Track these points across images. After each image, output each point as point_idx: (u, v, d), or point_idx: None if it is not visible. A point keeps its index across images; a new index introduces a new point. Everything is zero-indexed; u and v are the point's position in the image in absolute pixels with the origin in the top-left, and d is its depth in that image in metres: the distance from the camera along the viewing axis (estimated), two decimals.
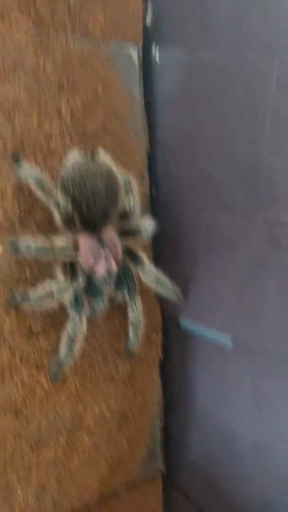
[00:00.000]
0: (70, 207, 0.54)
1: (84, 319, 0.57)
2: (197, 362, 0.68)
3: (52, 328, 0.61)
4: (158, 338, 0.71)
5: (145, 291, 0.64)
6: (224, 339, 0.61)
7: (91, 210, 0.55)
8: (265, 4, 0.55)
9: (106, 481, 0.68)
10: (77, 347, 0.58)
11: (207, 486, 0.70)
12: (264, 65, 0.56)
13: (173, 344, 0.72)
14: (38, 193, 0.55)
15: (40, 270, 0.59)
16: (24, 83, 0.58)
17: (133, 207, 0.59)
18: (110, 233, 0.59)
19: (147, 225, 0.60)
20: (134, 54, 0.66)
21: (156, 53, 0.67)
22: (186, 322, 0.68)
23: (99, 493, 0.67)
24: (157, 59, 0.68)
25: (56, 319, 0.61)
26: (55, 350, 0.60)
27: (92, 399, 0.64)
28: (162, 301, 0.71)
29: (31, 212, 0.59)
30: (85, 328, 0.57)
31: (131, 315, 0.62)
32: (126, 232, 0.61)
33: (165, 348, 0.72)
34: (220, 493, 0.68)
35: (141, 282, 0.63)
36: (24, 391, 0.59)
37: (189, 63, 0.66)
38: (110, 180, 0.56)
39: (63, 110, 0.61)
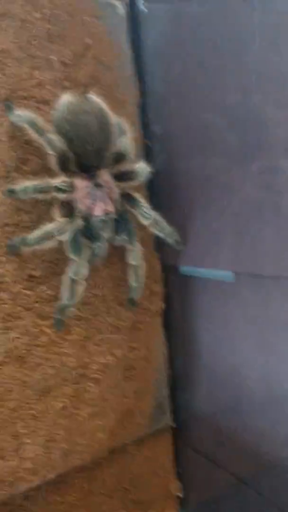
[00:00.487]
0: (65, 146, 0.55)
1: (85, 262, 0.57)
2: (199, 307, 0.68)
3: (54, 276, 0.61)
4: (158, 287, 0.71)
5: (143, 242, 0.64)
6: (226, 276, 0.61)
7: (86, 149, 0.56)
8: None
9: (115, 434, 0.67)
10: (80, 291, 0.58)
11: (217, 436, 0.70)
12: (246, 16, 0.57)
13: (174, 293, 0.72)
14: (33, 135, 0.55)
15: (38, 216, 0.59)
16: (13, 33, 0.59)
17: (127, 149, 0.60)
18: (105, 176, 0.59)
19: (141, 167, 0.61)
20: (120, 6, 0.67)
21: (142, 4, 0.68)
22: (186, 268, 0.68)
23: (108, 447, 0.67)
24: (144, 11, 0.69)
25: (57, 267, 0.61)
26: (57, 297, 0.60)
27: (97, 348, 0.64)
28: (160, 251, 0.71)
29: (26, 160, 0.59)
30: (86, 271, 0.58)
31: (131, 258, 0.62)
32: (121, 177, 0.61)
33: (166, 297, 0.72)
34: (231, 443, 0.68)
35: (139, 233, 0.63)
36: (28, 339, 0.59)
37: (175, 15, 0.67)
38: (103, 118, 0.57)
39: (53, 60, 0.62)
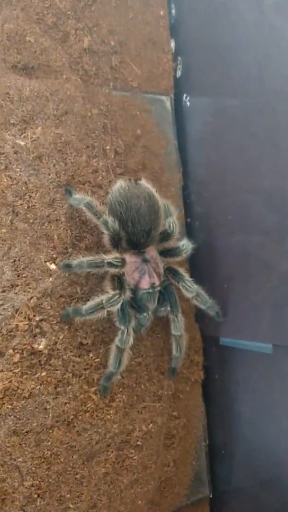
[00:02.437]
0: (117, 226, 0.61)
1: (132, 331, 0.61)
2: (238, 378, 0.70)
3: (102, 344, 0.65)
4: (199, 358, 0.74)
5: (184, 313, 0.68)
6: (265, 348, 0.64)
7: (136, 229, 0.62)
8: (278, 59, 0.64)
9: (155, 503, 0.68)
10: (125, 359, 0.62)
11: (256, 510, 0.69)
12: (280, 107, 0.64)
13: (214, 364, 0.75)
14: (89, 215, 0.62)
15: (90, 289, 0.65)
16: (74, 128, 0.67)
17: (173, 228, 0.66)
18: (152, 252, 0.65)
19: (185, 244, 0.66)
20: (167, 101, 0.76)
21: (186, 100, 0.77)
22: (226, 340, 0.71)
23: None
24: (188, 106, 0.77)
25: (105, 335, 0.66)
26: (104, 365, 0.64)
27: (140, 416, 0.67)
28: (201, 322, 0.75)
29: (82, 238, 0.66)
30: (132, 341, 0.62)
31: (174, 330, 0.66)
32: (167, 253, 0.67)
33: (207, 368, 0.75)
34: None
35: (181, 305, 0.67)
36: (76, 404, 0.62)
37: (215, 109, 0.75)
38: (152, 202, 0.63)
39: (108, 150, 0.70)
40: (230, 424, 0.72)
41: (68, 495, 0.61)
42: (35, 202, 0.63)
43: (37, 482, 0.59)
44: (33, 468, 0.59)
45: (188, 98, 0.77)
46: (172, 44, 0.79)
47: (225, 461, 0.73)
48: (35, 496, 0.59)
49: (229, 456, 0.73)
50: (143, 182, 0.65)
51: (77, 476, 0.62)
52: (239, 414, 0.71)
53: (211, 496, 0.75)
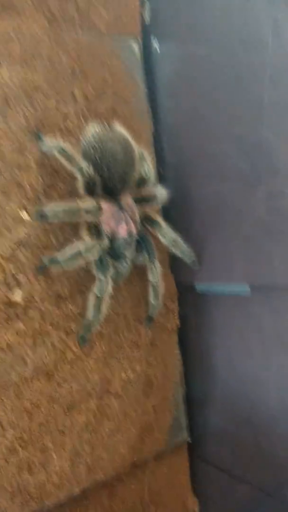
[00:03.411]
0: (92, 171, 0.59)
1: (110, 280, 0.61)
2: (214, 323, 0.71)
3: (79, 294, 0.64)
4: (175, 306, 0.75)
5: (160, 262, 0.68)
6: (241, 290, 0.65)
7: (112, 174, 0.60)
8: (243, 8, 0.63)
9: (135, 449, 0.69)
10: (104, 308, 0.61)
11: (234, 450, 0.72)
12: (253, 59, 0.63)
13: (189, 311, 0.75)
14: (62, 161, 0.59)
15: (65, 237, 0.63)
16: (42, 70, 0.64)
17: (149, 174, 0.64)
18: (128, 199, 0.63)
19: (160, 191, 0.65)
20: (136, 46, 0.73)
21: (156, 46, 0.75)
22: (202, 285, 0.72)
23: (129, 462, 0.68)
24: (157, 52, 0.75)
25: (82, 286, 0.64)
26: (83, 315, 0.63)
27: (119, 364, 0.67)
28: (176, 271, 0.75)
29: (54, 185, 0.63)
30: (111, 290, 0.61)
31: (151, 277, 0.66)
32: (142, 200, 0.65)
33: (182, 315, 0.76)
34: (249, 456, 0.70)
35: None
36: (55, 355, 0.62)
37: (185, 55, 0.73)
38: (127, 146, 0.61)
39: (77, 95, 0.67)
40: (207, 370, 0.73)
41: (51, 445, 0.61)
42: (4, 149, 0.60)
43: (19, 433, 0.59)
44: (14, 420, 0.58)
45: (157, 43, 0.75)
46: None
47: (202, 405, 0.75)
48: (18, 447, 0.58)
49: (207, 401, 0.75)
50: (117, 126, 0.63)
51: (59, 426, 0.62)
52: (216, 359, 0.72)
53: (189, 440, 0.77)
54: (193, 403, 0.77)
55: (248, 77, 0.64)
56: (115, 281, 0.63)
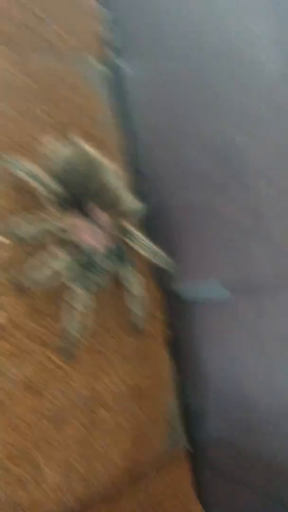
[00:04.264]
0: (59, 187, 0.61)
1: (88, 293, 0.62)
2: (202, 330, 0.71)
3: (60, 308, 0.65)
4: (161, 314, 0.75)
5: (141, 272, 0.69)
6: (222, 293, 0.65)
7: (79, 189, 0.62)
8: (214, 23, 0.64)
9: (133, 460, 0.69)
10: (85, 321, 0.62)
11: (234, 455, 0.71)
12: (216, 69, 0.65)
13: (179, 320, 0.76)
14: (30, 180, 0.61)
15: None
16: (6, 97, 0.66)
17: (118, 188, 0.66)
18: (100, 212, 0.65)
19: (134, 204, 0.66)
20: (104, 69, 0.75)
21: (125, 67, 0.77)
22: (186, 290, 0.72)
23: (128, 472, 0.68)
24: (127, 72, 0.77)
25: (64, 300, 0.66)
26: (66, 330, 0.64)
27: (108, 377, 0.68)
28: (159, 279, 0.75)
29: (23, 203, 0.65)
30: (89, 302, 0.62)
31: (132, 289, 0.66)
32: (118, 213, 0.67)
33: (170, 324, 0.76)
34: (249, 461, 0.69)
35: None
36: (42, 371, 0.63)
37: (155, 73, 0.75)
38: (91, 158, 0.63)
39: (39, 113, 0.69)
40: (199, 376, 0.73)
41: (43, 460, 0.62)
42: None
43: (8, 450, 0.60)
44: (4, 436, 0.59)
45: (126, 64, 0.77)
46: (106, 13, 0.78)
47: (200, 414, 0.75)
48: (8, 462, 0.59)
49: (204, 409, 0.74)
50: (77, 139, 0.64)
51: (50, 441, 0.62)
52: (207, 364, 0.72)
53: (189, 448, 0.76)
54: (190, 411, 0.76)
55: (218, 90, 0.65)
56: (93, 293, 0.64)
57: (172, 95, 0.72)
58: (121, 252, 0.66)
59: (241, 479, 0.71)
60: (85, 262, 0.63)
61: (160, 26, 0.72)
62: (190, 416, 0.76)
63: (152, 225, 0.75)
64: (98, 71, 0.75)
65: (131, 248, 0.67)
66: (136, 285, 0.66)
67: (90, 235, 0.63)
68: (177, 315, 0.76)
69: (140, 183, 0.77)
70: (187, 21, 0.68)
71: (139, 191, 0.76)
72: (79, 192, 0.62)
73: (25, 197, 0.64)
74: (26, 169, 0.60)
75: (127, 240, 0.67)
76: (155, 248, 0.67)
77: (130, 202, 0.67)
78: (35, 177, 0.60)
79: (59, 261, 0.60)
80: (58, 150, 0.62)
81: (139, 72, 0.76)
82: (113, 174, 0.65)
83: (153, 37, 0.73)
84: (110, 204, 0.66)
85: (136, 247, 0.67)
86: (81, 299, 0.61)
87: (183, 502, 0.74)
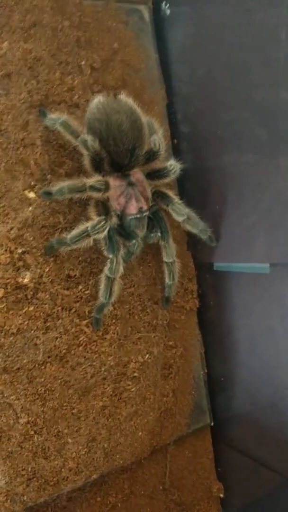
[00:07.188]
0: (98, 146, 0.56)
1: (121, 260, 0.58)
2: (234, 303, 0.68)
3: (90, 275, 0.62)
4: (193, 285, 0.72)
5: (176, 240, 0.65)
6: (261, 268, 0.61)
7: (119, 147, 0.57)
8: None
9: (155, 433, 0.67)
10: (116, 289, 0.59)
11: (258, 435, 0.69)
12: (269, 19, 0.58)
13: (209, 291, 0.72)
14: (67, 137, 0.57)
15: (74, 218, 0.61)
16: (45, 41, 0.61)
17: (159, 146, 0.61)
18: (138, 174, 0.60)
19: (173, 164, 0.62)
20: (145, 11, 0.69)
21: (166, 9, 0.70)
22: (221, 264, 0.68)
23: (149, 446, 0.66)
24: (168, 15, 0.70)
25: (93, 266, 0.62)
26: (95, 296, 0.61)
27: (135, 347, 0.65)
28: (193, 249, 0.71)
29: (61, 163, 0.61)
30: (122, 270, 0.58)
31: (165, 256, 0.63)
32: (154, 174, 0.62)
33: (201, 296, 0.72)
34: (273, 441, 0.67)
35: (171, 232, 0.64)
36: (67, 338, 0.60)
37: (198, 18, 0.68)
38: (134, 117, 0.58)
39: (83, 65, 0.64)
40: (228, 351, 0.70)
41: (66, 430, 0.60)
42: (7, 125, 0.58)
43: (33, 419, 0.57)
44: (28, 405, 0.57)
45: (168, 6, 0.70)
46: None
47: (224, 388, 0.72)
48: (32, 432, 0.57)
49: (229, 383, 0.72)
50: (123, 97, 0.59)
51: (73, 411, 0.60)
52: (237, 340, 0.69)
53: (212, 424, 0.74)
54: (215, 385, 0.74)
55: (263, 37, 0.59)
56: (126, 261, 0.60)
57: (216, 44, 0.66)
58: (157, 217, 0.62)
59: (263, 459, 0.69)
60: (119, 227, 0.59)
61: None
62: (215, 391, 0.74)
63: (190, 189, 0.70)
64: (143, 17, 0.69)
65: (167, 214, 0.63)
66: (170, 254, 0.62)
67: (126, 197, 0.59)
68: (208, 285, 0.72)
69: (180, 142, 0.72)
70: None
71: (178, 151, 0.71)
72: (118, 151, 0.57)
73: (63, 155, 0.60)
74: (64, 123, 0.56)
75: (164, 205, 0.62)
76: (192, 214, 0.63)
77: (170, 162, 0.62)
78: (72, 132, 0.56)
79: (91, 223, 0.56)
80: (101, 106, 0.57)
81: (182, 17, 0.70)
82: (156, 133, 0.61)
83: None
84: (149, 164, 0.61)
85: (172, 213, 0.62)
86: (112, 265, 0.57)
87: (202, 478, 0.73)
